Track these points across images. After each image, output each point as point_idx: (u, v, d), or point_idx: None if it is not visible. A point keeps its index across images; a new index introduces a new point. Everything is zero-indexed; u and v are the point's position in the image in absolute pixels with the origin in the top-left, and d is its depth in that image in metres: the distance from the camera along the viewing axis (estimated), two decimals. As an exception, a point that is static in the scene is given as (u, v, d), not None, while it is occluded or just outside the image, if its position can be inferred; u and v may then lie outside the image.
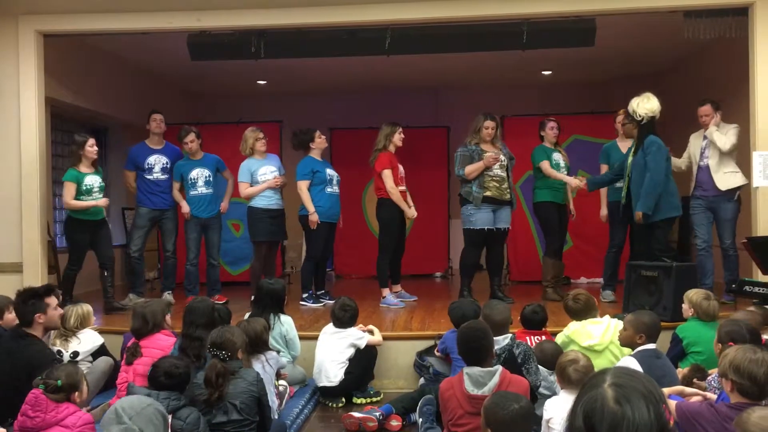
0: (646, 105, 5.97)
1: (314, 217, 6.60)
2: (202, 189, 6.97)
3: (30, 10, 6.36)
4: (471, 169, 6.39)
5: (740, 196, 6.16)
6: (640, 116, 5.99)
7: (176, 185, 7.07)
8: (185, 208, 6.92)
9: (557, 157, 6.94)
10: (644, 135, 5.97)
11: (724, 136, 6.08)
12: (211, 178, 7.02)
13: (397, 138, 6.80)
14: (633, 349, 3.91)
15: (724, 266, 6.22)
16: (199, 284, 7.08)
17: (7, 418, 3.77)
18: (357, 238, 9.10)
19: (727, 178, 6.11)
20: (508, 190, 6.56)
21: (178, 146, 7.24)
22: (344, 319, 4.98)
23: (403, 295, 7.01)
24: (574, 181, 6.69)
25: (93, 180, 6.29)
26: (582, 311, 4.58)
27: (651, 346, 3.87)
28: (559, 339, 4.58)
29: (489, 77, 9.77)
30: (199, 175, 6.99)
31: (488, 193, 6.42)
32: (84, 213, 6.23)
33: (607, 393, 1.50)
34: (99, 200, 6.28)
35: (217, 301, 6.86)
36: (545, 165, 6.83)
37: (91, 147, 6.28)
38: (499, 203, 6.50)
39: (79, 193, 6.17)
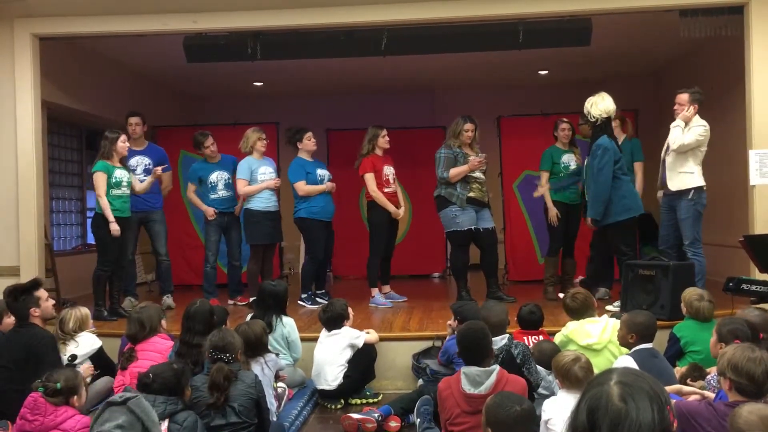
0: (600, 106, 5.97)
1: (330, 185, 6.76)
2: (222, 192, 6.97)
3: (26, 13, 6.35)
4: (455, 172, 6.39)
5: (697, 197, 5.82)
6: (594, 117, 5.99)
7: (192, 187, 7.03)
8: (209, 211, 6.87)
9: (567, 158, 6.95)
10: (596, 137, 5.99)
11: (682, 134, 5.75)
12: (230, 180, 7.00)
13: (382, 141, 6.81)
14: (629, 349, 3.92)
15: None
16: (216, 287, 7.04)
17: (5, 418, 3.77)
18: (355, 239, 9.07)
19: (679, 177, 5.83)
20: (488, 193, 6.62)
21: (193, 152, 7.21)
22: (327, 320, 4.99)
23: (392, 296, 7.02)
24: (552, 214, 6.79)
25: (122, 174, 6.17)
26: (580, 310, 4.58)
27: (648, 345, 3.87)
28: (558, 338, 4.57)
29: (485, 77, 9.77)
30: (219, 178, 6.98)
31: (472, 194, 6.43)
32: (112, 209, 6.07)
33: (612, 390, 1.51)
34: (140, 184, 6.32)
35: (239, 302, 6.90)
36: (543, 177, 6.93)
37: (123, 143, 6.21)
38: (480, 204, 6.52)
39: (108, 186, 6.06)
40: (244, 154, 6.85)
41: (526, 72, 9.46)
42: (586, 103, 6.08)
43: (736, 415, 2.31)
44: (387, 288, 7.07)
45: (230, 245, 7.04)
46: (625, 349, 4.09)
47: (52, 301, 4.51)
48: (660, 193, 6.23)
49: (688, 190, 5.80)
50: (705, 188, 5.83)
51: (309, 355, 5.05)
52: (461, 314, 4.69)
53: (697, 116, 5.85)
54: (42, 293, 4.37)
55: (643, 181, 6.80)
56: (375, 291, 6.87)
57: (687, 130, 5.78)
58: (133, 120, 6.96)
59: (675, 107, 5.95)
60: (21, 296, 4.24)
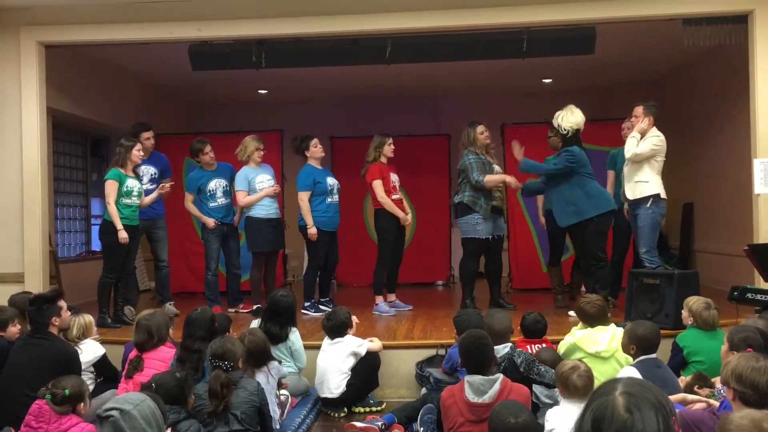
0: (570, 119, 6.09)
1: (313, 231, 6.62)
2: (221, 200, 6.95)
3: (31, 21, 6.39)
4: (491, 179, 6.38)
5: (655, 205, 5.81)
6: (565, 130, 6.09)
7: (190, 197, 6.99)
8: (210, 222, 6.87)
9: None
10: (567, 147, 6.07)
11: (636, 144, 5.80)
12: (228, 188, 7.00)
13: (387, 149, 6.81)
14: (633, 359, 3.89)
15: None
16: (219, 294, 7.03)
17: (11, 425, 3.76)
18: (358, 246, 9.09)
19: (636, 186, 5.87)
20: (505, 201, 6.64)
21: (173, 157, 7.18)
22: (330, 328, 4.97)
23: (397, 305, 7.00)
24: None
25: (133, 183, 6.20)
26: (598, 316, 4.53)
27: (652, 355, 3.84)
28: (564, 346, 4.54)
29: (489, 85, 9.79)
30: (218, 186, 6.97)
31: (494, 203, 6.46)
32: (121, 217, 6.06)
33: (617, 401, 1.51)
34: (146, 198, 6.37)
35: (241, 310, 6.89)
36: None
37: (138, 152, 6.25)
38: (499, 211, 6.58)
39: (119, 195, 6.08)
40: (241, 162, 6.86)
41: (530, 80, 9.48)
42: (556, 117, 6.18)
43: (726, 421, 2.29)
44: (392, 296, 7.05)
45: (229, 254, 7.04)
46: (631, 358, 4.06)
47: (69, 313, 4.52)
48: (626, 205, 6.31)
49: (645, 199, 5.84)
50: (663, 197, 5.86)
51: (313, 364, 5.04)
52: (457, 326, 4.70)
53: (654, 128, 5.90)
54: (63, 303, 4.38)
55: None
56: (379, 299, 6.85)
57: (642, 140, 5.83)
58: (148, 134, 6.92)
59: (632, 119, 6.02)
60: (45, 305, 4.23)
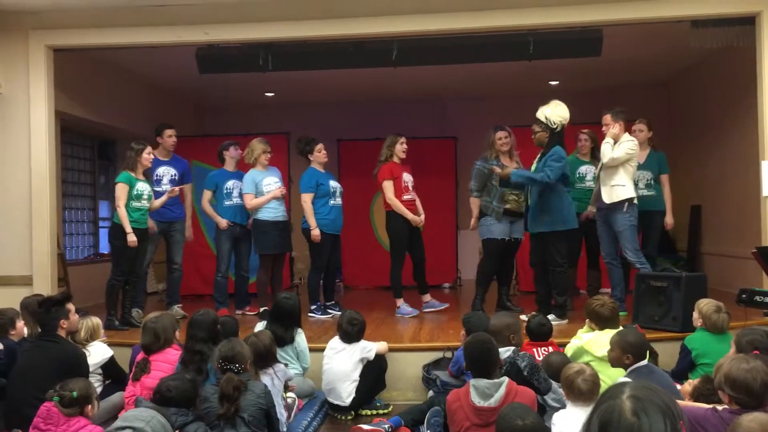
0: (559, 113, 6.09)
1: (316, 232, 6.62)
2: (236, 199, 6.99)
3: (40, 25, 6.42)
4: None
5: (631, 209, 5.96)
6: (554, 123, 6.08)
7: (208, 194, 7.03)
8: (222, 222, 6.91)
9: (584, 169, 6.94)
10: (553, 144, 6.05)
11: (611, 149, 5.91)
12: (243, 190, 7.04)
13: (399, 148, 6.81)
14: (625, 369, 3.75)
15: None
16: (228, 296, 7.06)
17: (19, 428, 3.78)
18: (365, 249, 9.10)
19: (613, 190, 5.96)
20: (525, 203, 6.61)
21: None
22: (352, 333, 4.92)
23: (433, 304, 6.92)
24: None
25: (144, 186, 6.23)
26: (610, 318, 4.49)
27: (643, 362, 3.73)
28: (571, 349, 4.52)
29: (496, 88, 9.77)
30: (235, 186, 7.01)
31: (508, 206, 6.46)
32: (130, 220, 6.10)
33: (625, 404, 1.50)
34: (155, 201, 6.41)
35: (248, 312, 6.92)
36: None
37: (148, 155, 6.29)
38: (516, 215, 6.54)
39: (129, 198, 6.12)
40: (248, 164, 6.88)
41: (536, 82, 9.46)
42: (543, 111, 6.13)
43: (736, 425, 2.32)
44: (427, 297, 6.96)
45: (239, 256, 7.07)
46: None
47: (77, 316, 4.55)
48: (593, 209, 6.39)
49: (622, 203, 5.96)
50: (635, 201, 6.00)
51: (319, 365, 5.03)
52: (467, 325, 4.69)
53: (626, 133, 6.07)
54: (71, 306, 4.41)
55: (670, 193, 6.78)
56: (400, 301, 6.82)
57: (617, 146, 5.96)
58: (171, 131, 6.98)
59: (603, 128, 6.13)
60: (53, 308, 4.26)
